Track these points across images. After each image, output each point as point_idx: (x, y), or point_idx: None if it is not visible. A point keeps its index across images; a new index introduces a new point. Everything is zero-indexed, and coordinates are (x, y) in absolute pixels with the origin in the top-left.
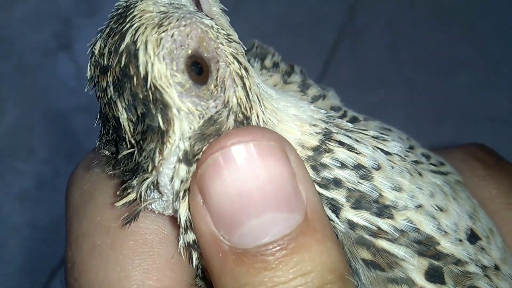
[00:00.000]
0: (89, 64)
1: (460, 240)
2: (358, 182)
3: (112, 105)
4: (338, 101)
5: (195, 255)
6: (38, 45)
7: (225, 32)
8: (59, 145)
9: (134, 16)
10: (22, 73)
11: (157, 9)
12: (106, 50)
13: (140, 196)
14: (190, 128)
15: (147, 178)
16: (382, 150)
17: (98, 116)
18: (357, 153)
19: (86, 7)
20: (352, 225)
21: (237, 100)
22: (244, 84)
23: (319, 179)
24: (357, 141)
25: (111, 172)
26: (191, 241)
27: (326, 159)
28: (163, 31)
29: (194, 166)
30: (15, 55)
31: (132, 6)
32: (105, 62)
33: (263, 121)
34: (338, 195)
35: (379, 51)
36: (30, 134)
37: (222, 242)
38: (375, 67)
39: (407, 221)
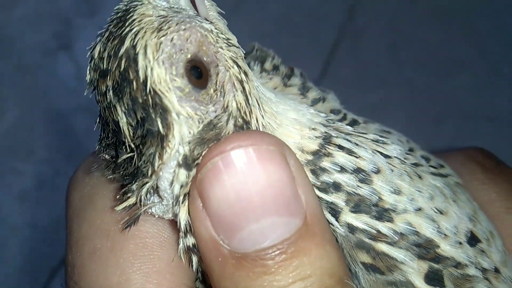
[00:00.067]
0: (88, 67)
1: (460, 243)
2: (358, 185)
3: (112, 109)
4: (338, 103)
5: (195, 259)
6: (38, 45)
7: (224, 36)
8: (59, 145)
9: (134, 20)
10: (22, 73)
11: (157, 13)
12: (106, 54)
13: (140, 200)
14: (190, 132)
15: (147, 183)
16: (381, 153)
17: (98, 120)
18: (356, 157)
19: (86, 7)
20: (351, 228)
21: (236, 104)
22: (243, 88)
23: (319, 183)
24: (357, 144)
25: (110, 176)
26: (191, 245)
27: (325, 163)
28: (163, 36)
29: (194, 170)
30: (15, 55)
31: (131, 10)
32: (104, 66)
33: (263, 125)
34: (337, 199)
35: (379, 51)
36: (30, 134)
37: (222, 246)
38: (375, 67)
39: (407, 224)
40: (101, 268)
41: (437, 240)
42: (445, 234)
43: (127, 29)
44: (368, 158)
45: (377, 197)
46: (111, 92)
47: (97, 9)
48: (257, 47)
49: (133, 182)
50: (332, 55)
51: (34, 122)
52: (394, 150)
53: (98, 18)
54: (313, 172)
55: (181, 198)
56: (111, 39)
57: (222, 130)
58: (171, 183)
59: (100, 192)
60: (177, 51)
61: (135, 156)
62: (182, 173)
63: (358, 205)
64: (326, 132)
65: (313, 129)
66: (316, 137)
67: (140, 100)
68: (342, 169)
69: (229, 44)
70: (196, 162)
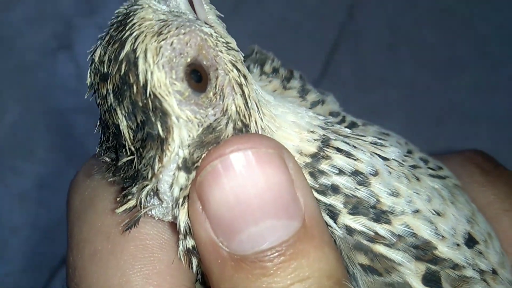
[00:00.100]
0: (89, 71)
1: (458, 245)
2: (356, 188)
3: (112, 112)
4: (337, 106)
5: (194, 261)
6: (38, 45)
7: (224, 40)
8: (59, 145)
9: (134, 24)
10: (22, 73)
11: (157, 17)
12: (106, 58)
13: (140, 203)
14: (189, 136)
15: (147, 185)
16: (379, 155)
17: (98, 123)
18: (354, 160)
19: (86, 7)
20: (349, 230)
21: (236, 108)
22: (243, 91)
23: (317, 186)
24: (355, 147)
25: (111, 179)
26: (191, 247)
27: (324, 165)
28: (163, 40)
29: (193, 173)
30: (15, 55)
31: (132, 13)
32: (105, 69)
33: (262, 128)
34: (335, 201)
35: (379, 51)
36: (30, 134)
37: (221, 249)
38: (375, 67)
39: (404, 226)
40: (102, 270)
41: (435, 242)
42: (442, 236)
43: (128, 33)
44: (366, 160)
45: (375, 199)
46: (111, 95)
47: (97, 9)
48: (256, 50)
49: (134, 184)
50: (332, 55)
51: (34, 122)
52: (392, 153)
53: (98, 18)
54: (312, 174)
55: (180, 200)
56: (112, 43)
57: (222, 133)
58: (171, 186)
59: (100, 195)
60: (177, 55)
61: (135, 159)
62: (182, 176)
63: (356, 207)
64: (324, 135)
65: (311, 132)
66: (314, 139)
67: (140, 104)
68: (340, 172)
69: (228, 47)
70: (195, 165)
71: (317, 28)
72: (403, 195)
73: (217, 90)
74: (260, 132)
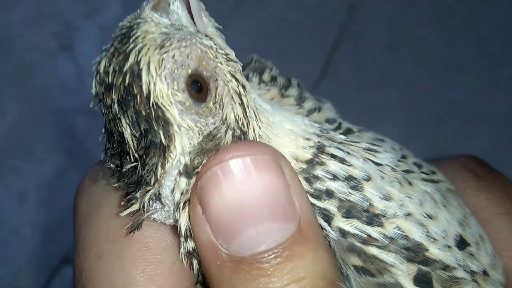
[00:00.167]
0: (94, 81)
1: (449, 247)
2: (349, 192)
3: (117, 121)
4: (334, 113)
5: (195, 262)
6: (38, 45)
7: (223, 52)
8: (59, 145)
9: (138, 36)
10: (22, 73)
11: (159, 30)
12: (111, 69)
13: (143, 207)
14: (190, 143)
15: (149, 190)
16: (373, 161)
17: (103, 131)
18: (348, 165)
19: (86, 7)
20: (343, 233)
21: (234, 116)
22: (241, 101)
23: (312, 190)
24: (349, 153)
25: (116, 184)
26: (191, 249)
27: (319, 171)
28: (165, 52)
29: (194, 178)
30: (15, 55)
31: (135, 27)
32: (109, 80)
33: (259, 135)
34: (330, 205)
35: (379, 51)
36: (30, 134)
37: (220, 251)
38: (375, 67)
39: (396, 228)
40: (107, 271)
41: (426, 244)
42: (434, 238)
43: (131, 45)
44: (360, 166)
45: (368, 203)
46: (116, 105)
47: (97, 9)
48: (255, 59)
49: (137, 189)
50: (332, 55)
51: (34, 122)
52: (385, 158)
53: (98, 18)
54: (307, 180)
55: (181, 204)
56: (116, 55)
57: (221, 141)
58: (173, 191)
59: (106, 200)
60: (178, 67)
61: (139, 165)
62: (183, 181)
63: (350, 211)
64: (319, 142)
65: (307, 139)
66: (310, 146)
67: (144, 113)
68: (335, 177)
69: (227, 59)
70: (196, 170)
71: (317, 28)
72: (395, 199)
73: (217, 99)
74: (258, 140)
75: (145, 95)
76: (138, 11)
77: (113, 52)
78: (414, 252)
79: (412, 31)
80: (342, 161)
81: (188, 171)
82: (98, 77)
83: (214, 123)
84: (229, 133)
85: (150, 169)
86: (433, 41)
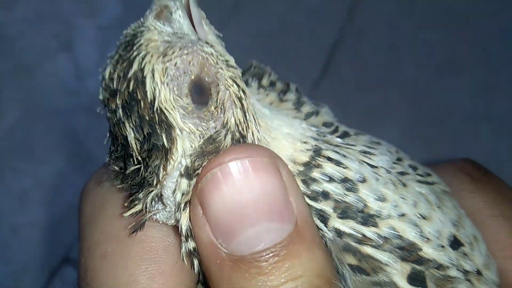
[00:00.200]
0: (100, 87)
1: (442, 246)
2: (345, 194)
3: (121, 125)
4: (331, 116)
5: (196, 262)
6: (38, 45)
7: (223, 58)
8: (59, 145)
9: (141, 44)
10: (22, 73)
11: (162, 38)
12: (115, 75)
13: (146, 207)
14: (191, 146)
15: (152, 191)
16: (368, 163)
17: (108, 135)
18: (344, 168)
19: (86, 7)
20: (339, 233)
21: (235, 120)
22: (242, 105)
23: (309, 192)
24: (345, 156)
25: (120, 186)
26: (192, 249)
27: (315, 173)
28: (168, 60)
29: (195, 180)
30: (15, 55)
31: (139, 35)
32: (114, 86)
33: (258, 139)
34: (326, 206)
35: (379, 51)
36: (30, 134)
37: (220, 250)
38: (375, 67)
39: (391, 228)
40: (111, 270)
41: (420, 244)
42: (427, 238)
43: (135, 53)
44: (355, 168)
45: (363, 204)
46: (120, 110)
47: (97, 9)
48: (254, 65)
49: (140, 191)
50: (332, 55)
51: (34, 122)
52: (381, 161)
53: (98, 18)
54: (304, 182)
55: (182, 205)
56: (120, 62)
57: (221, 144)
58: (174, 192)
59: (110, 201)
60: (181, 73)
61: (142, 167)
62: (184, 183)
63: (345, 212)
64: (316, 145)
65: (304, 142)
66: (307, 149)
67: (147, 118)
68: (331, 179)
69: (228, 65)
70: (196, 172)
71: (317, 28)
72: (389, 200)
73: (218, 104)
74: (256, 143)
75: (149, 100)
76: (142, 19)
77: (118, 59)
78: (408, 252)
79: (412, 31)
80: (338, 163)
81: (189, 173)
82: (103, 83)
83: (215, 127)
84: (229, 137)
85: (153, 171)
86: (433, 41)
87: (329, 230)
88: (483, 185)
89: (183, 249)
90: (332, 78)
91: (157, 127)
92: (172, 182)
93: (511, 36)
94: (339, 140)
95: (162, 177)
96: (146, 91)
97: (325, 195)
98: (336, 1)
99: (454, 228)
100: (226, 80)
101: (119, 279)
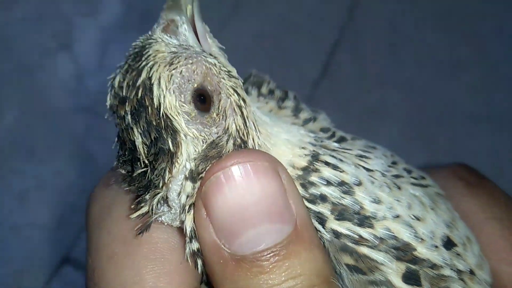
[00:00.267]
0: (109, 95)
1: (436, 246)
2: (342, 197)
3: (129, 130)
4: (328, 122)
5: (199, 262)
6: (38, 45)
7: (226, 69)
8: (59, 145)
9: (149, 55)
10: (22, 73)
11: (169, 50)
12: (125, 84)
13: (152, 209)
14: (195, 150)
15: (158, 193)
16: (363, 167)
17: (116, 140)
18: (340, 172)
19: (86, 7)
20: (336, 234)
21: (236, 127)
22: (242, 113)
23: (308, 195)
24: (341, 160)
25: (127, 188)
26: (196, 249)
27: (313, 177)
28: (174, 69)
29: (199, 183)
30: (15, 55)
31: (147, 46)
32: (123, 93)
33: (258, 144)
34: (324, 208)
35: (379, 51)
36: (30, 134)
37: (223, 250)
38: (375, 67)
39: (386, 229)
40: (119, 270)
41: (414, 244)
42: (421, 238)
43: (144, 63)
44: (351, 172)
45: (359, 206)
46: (129, 116)
47: (97, 9)
48: (254, 74)
49: (146, 193)
50: (332, 55)
51: (34, 122)
52: (376, 164)
53: (98, 18)
54: (303, 185)
55: (187, 207)
56: (130, 71)
57: (223, 149)
58: (179, 194)
59: (117, 204)
60: (185, 82)
61: (149, 170)
62: (189, 185)
63: (342, 214)
64: (314, 150)
65: (302, 148)
66: (305, 155)
67: (154, 123)
68: (328, 183)
69: (229, 75)
70: (200, 175)
71: (317, 28)
72: (384, 202)
73: (220, 111)
74: (257, 148)
75: (155, 106)
76: (150, 32)
77: (127, 68)
78: (403, 252)
79: (412, 31)
80: (335, 167)
81: (193, 176)
82: (112, 91)
83: (217, 133)
84: (231, 142)
85: (159, 174)
86: (433, 41)
87: (327, 231)
88: (476, 189)
89: (187, 249)
90: (332, 78)
91: (163, 132)
92: (177, 185)
93: (511, 36)
94: (336, 145)
95: (168, 180)
96: (153, 98)
97: (323, 198)
98: (336, 1)
99: (447, 229)
100: (228, 89)
101: (126, 279)
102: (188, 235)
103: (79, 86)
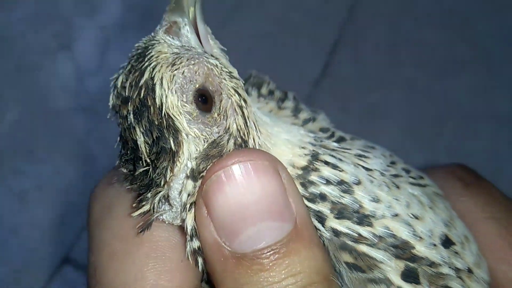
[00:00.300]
0: (111, 95)
1: (434, 245)
2: (341, 195)
3: (132, 130)
4: (327, 122)
5: (200, 260)
6: (38, 45)
7: (227, 70)
8: (59, 145)
9: (152, 56)
10: (22, 73)
11: (171, 51)
12: (127, 84)
13: (153, 208)
14: (197, 150)
15: (159, 192)
16: (363, 166)
17: (118, 139)
18: (340, 171)
19: (86, 7)
20: (336, 232)
21: (236, 126)
22: (243, 113)
23: (307, 194)
24: (341, 160)
25: (129, 187)
26: (197, 248)
27: (313, 177)
28: (176, 69)
29: (200, 182)
30: (15, 55)
31: (150, 47)
32: (126, 93)
33: (259, 144)
34: (323, 207)
35: (379, 51)
36: (30, 134)
37: (224, 248)
38: (375, 67)
39: (385, 228)
40: (120, 268)
41: (413, 242)
42: (420, 237)
43: (146, 63)
44: (350, 171)
45: (358, 205)
46: (131, 115)
47: (97, 9)
48: (254, 75)
49: (148, 191)
50: (332, 55)
51: (34, 122)
52: (375, 164)
53: (98, 18)
54: (303, 184)
55: (188, 206)
56: (133, 72)
57: (224, 148)
58: (180, 193)
59: (118, 202)
60: (187, 82)
61: (150, 169)
62: (190, 184)
63: (342, 212)
64: (314, 150)
65: (302, 147)
66: (305, 154)
67: (156, 123)
68: (328, 182)
69: (231, 76)
70: (201, 174)
71: (317, 28)
72: (383, 201)
73: (221, 111)
74: (257, 148)
75: (158, 106)
76: (153, 34)
77: (130, 69)
78: (401, 250)
79: (412, 31)
80: (334, 167)
81: (194, 175)
82: (115, 91)
83: (218, 132)
84: (231, 141)
85: (161, 172)
86: (433, 41)
87: (326, 230)
88: (474, 189)
89: (188, 248)
90: (332, 78)
91: (165, 131)
92: (179, 184)
93: (511, 36)
94: (335, 144)
95: (169, 178)
96: (155, 97)
97: (323, 197)
98: (336, 1)
99: (445, 228)
100: (229, 89)
101: (127, 276)
102: (189, 233)
103: (79, 86)
